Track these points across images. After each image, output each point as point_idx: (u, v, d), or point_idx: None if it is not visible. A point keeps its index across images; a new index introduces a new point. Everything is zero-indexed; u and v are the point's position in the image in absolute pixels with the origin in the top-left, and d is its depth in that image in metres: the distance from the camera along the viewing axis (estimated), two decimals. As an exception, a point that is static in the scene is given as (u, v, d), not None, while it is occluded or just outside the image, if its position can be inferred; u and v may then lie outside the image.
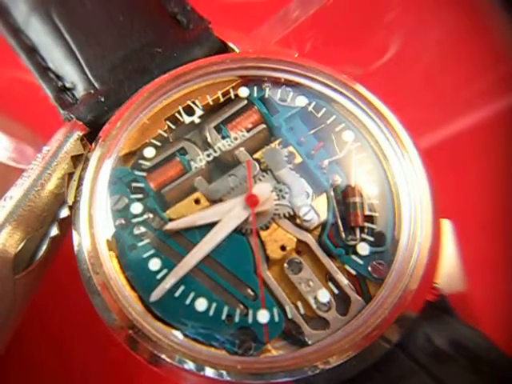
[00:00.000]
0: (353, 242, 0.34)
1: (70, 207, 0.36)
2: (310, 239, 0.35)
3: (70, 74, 0.40)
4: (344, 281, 0.34)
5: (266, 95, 0.38)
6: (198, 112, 0.38)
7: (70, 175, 0.37)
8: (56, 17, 0.41)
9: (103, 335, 0.34)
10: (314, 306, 0.33)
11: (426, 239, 0.33)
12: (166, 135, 0.37)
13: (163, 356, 0.32)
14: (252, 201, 0.34)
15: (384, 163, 0.36)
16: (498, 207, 0.51)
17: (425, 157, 0.35)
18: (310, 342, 0.32)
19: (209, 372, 0.31)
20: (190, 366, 0.31)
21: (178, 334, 0.32)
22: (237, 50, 0.40)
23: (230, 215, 0.34)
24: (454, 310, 0.33)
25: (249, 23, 0.54)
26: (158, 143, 0.37)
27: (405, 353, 0.32)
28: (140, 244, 0.34)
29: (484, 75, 0.55)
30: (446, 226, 0.35)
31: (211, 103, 0.38)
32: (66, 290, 0.45)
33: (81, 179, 0.36)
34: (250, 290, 0.33)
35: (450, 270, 0.34)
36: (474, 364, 0.31)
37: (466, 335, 0.32)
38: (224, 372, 0.31)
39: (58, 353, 0.47)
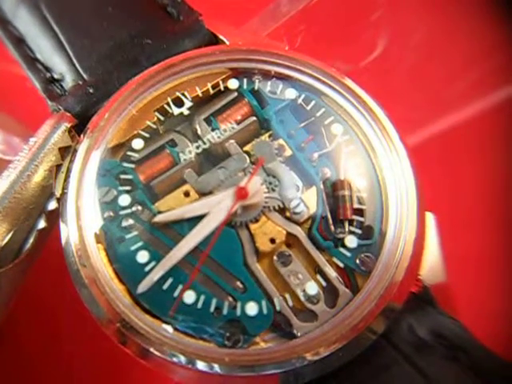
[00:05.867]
0: (341, 235, 0.34)
1: (58, 199, 0.36)
2: (299, 232, 0.35)
3: (59, 65, 0.39)
4: (332, 273, 0.34)
5: (256, 87, 0.38)
6: (188, 104, 0.38)
7: (58, 167, 0.37)
8: (44, 8, 0.41)
9: (93, 328, 0.33)
10: (303, 299, 0.33)
11: (411, 232, 0.33)
12: (155, 127, 0.37)
13: (152, 349, 0.32)
14: (241, 193, 0.34)
15: (372, 156, 0.36)
16: (488, 202, 0.51)
17: (410, 151, 0.36)
18: (298, 335, 0.32)
19: (197, 365, 0.31)
20: (178, 358, 0.31)
21: (167, 327, 0.32)
22: (227, 43, 0.40)
23: (218, 207, 0.34)
24: (435, 300, 0.34)
25: (240, 18, 0.54)
26: (147, 135, 0.37)
27: (389, 343, 0.32)
28: (128, 236, 0.34)
29: (471, 71, 0.56)
30: (430, 219, 0.35)
31: (201, 95, 0.38)
32: (53, 283, 0.45)
33: (69, 171, 0.36)
34: (238, 283, 0.33)
35: (432, 261, 0.35)
36: (453, 353, 0.31)
37: (446, 325, 0.32)
38: (213, 365, 0.31)
39: (46, 346, 0.47)
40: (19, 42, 0.40)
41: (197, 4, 0.41)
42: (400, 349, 0.32)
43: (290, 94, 0.38)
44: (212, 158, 0.37)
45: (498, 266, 0.49)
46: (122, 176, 0.36)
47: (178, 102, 0.38)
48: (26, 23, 0.40)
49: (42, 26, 0.40)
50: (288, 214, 0.35)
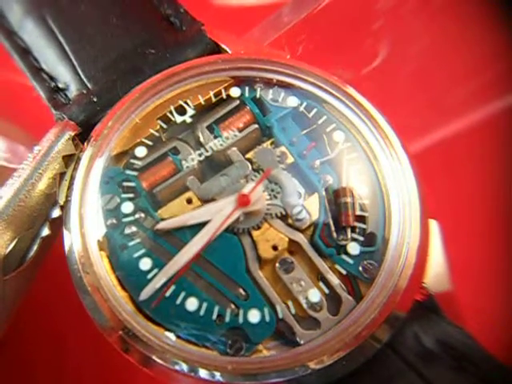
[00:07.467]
0: (344, 242, 0.34)
1: (62, 207, 0.36)
2: (301, 239, 0.35)
3: (63, 74, 0.40)
4: (335, 280, 0.33)
5: (258, 95, 0.38)
6: (190, 112, 0.38)
7: (62, 175, 0.37)
8: (50, 19, 0.41)
9: (97, 336, 0.33)
10: (305, 306, 0.33)
11: (415, 239, 0.33)
12: (157, 135, 0.37)
13: (154, 357, 0.31)
14: (243, 200, 0.34)
15: (374, 163, 0.36)
16: (491, 208, 0.51)
17: (412, 158, 0.36)
18: (301, 342, 0.32)
19: (200, 373, 0.31)
20: (180, 366, 0.31)
21: (169, 335, 0.32)
22: (229, 52, 0.40)
23: (221, 214, 0.34)
24: (441, 309, 0.33)
25: (242, 27, 0.55)
26: (150, 143, 0.37)
27: (394, 352, 0.32)
28: (131, 243, 0.34)
29: (473, 78, 0.56)
30: (434, 226, 0.35)
31: (203, 103, 0.38)
32: (57, 291, 0.45)
33: (72, 179, 0.36)
34: (241, 290, 0.33)
35: (437, 269, 0.34)
36: (459, 363, 0.31)
37: (452, 334, 0.32)
38: (215, 373, 0.31)
39: (50, 353, 0.47)
40: (25, 52, 0.41)
41: (199, 14, 0.42)
42: (405, 358, 0.32)
43: (292, 101, 0.38)
44: (214, 165, 0.37)
45: (502, 273, 0.48)
46: (125, 183, 0.36)
47: (181, 110, 0.38)
48: (32, 34, 0.41)
49: (47, 37, 0.41)
50: (290, 220, 0.35)
